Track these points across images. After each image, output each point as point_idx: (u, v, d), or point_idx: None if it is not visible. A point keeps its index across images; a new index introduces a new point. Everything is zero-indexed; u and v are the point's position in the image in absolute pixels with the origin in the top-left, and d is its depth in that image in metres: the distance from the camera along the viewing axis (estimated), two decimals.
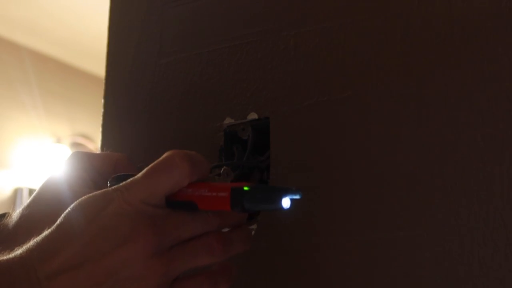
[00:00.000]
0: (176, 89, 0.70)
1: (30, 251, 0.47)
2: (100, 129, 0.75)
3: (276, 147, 0.62)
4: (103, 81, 0.76)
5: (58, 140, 3.58)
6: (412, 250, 0.53)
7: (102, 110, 0.75)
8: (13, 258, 0.46)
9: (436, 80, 0.55)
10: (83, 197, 0.48)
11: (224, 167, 0.57)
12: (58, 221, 0.48)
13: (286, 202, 0.45)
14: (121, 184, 0.47)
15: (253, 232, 0.61)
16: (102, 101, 0.75)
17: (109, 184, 0.50)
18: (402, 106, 0.56)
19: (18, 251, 0.47)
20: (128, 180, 0.47)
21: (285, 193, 0.45)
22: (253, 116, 0.64)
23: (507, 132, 0.51)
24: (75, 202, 0.48)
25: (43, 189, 0.57)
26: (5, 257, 0.46)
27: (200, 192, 0.46)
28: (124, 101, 0.74)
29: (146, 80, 0.72)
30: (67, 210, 0.48)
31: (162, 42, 0.72)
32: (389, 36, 0.58)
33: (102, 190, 0.48)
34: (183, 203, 0.46)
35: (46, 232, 0.47)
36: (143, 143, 0.70)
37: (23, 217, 0.55)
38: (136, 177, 0.47)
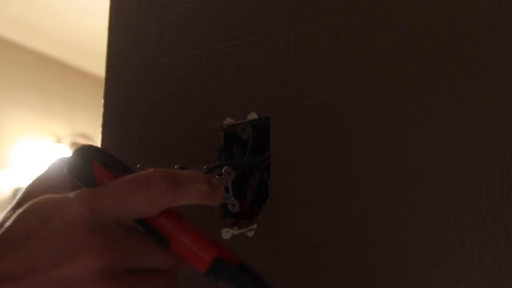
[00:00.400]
0: (176, 89, 0.70)
1: None
2: (100, 129, 0.75)
3: (276, 147, 0.62)
4: (103, 81, 0.76)
5: (58, 140, 3.58)
6: (412, 250, 0.53)
7: (102, 110, 0.75)
8: None
9: (436, 80, 0.55)
10: (40, 198, 0.43)
11: (226, 166, 0.57)
12: (8, 223, 0.43)
13: None
14: (87, 189, 0.42)
15: (253, 232, 0.61)
16: (102, 101, 0.75)
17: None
18: (402, 106, 0.56)
19: None
20: (97, 188, 0.42)
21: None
22: (253, 116, 0.64)
23: (507, 132, 0.51)
24: (31, 201, 0.43)
25: (28, 191, 0.51)
26: None
27: (180, 235, 0.42)
28: (124, 101, 0.74)
29: (146, 80, 0.72)
30: (20, 210, 0.43)
31: (162, 42, 0.72)
32: (389, 36, 0.58)
33: (65, 193, 0.43)
34: (154, 231, 0.42)
35: None
36: (143, 143, 0.70)
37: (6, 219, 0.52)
38: (106, 186, 0.42)
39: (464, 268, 0.51)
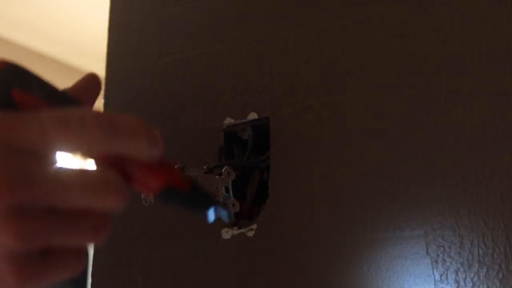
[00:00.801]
0: (176, 89, 0.70)
1: None
2: None
3: (276, 147, 0.62)
4: (103, 81, 0.76)
5: None
6: (412, 250, 0.53)
7: (102, 110, 0.75)
8: None
9: (436, 80, 0.55)
10: None
11: (226, 166, 0.57)
12: None
13: (211, 216, 0.40)
14: (9, 116, 0.35)
15: (253, 232, 0.61)
16: (102, 101, 0.75)
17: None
18: (402, 106, 0.56)
19: None
20: (21, 116, 0.35)
21: (212, 206, 0.40)
22: (253, 116, 0.64)
23: (507, 132, 0.51)
24: None
25: None
26: None
27: (125, 165, 0.37)
28: (124, 101, 0.74)
29: (146, 80, 0.72)
30: None
31: (162, 42, 0.72)
32: (389, 36, 0.58)
33: None
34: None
35: None
36: None
37: None
38: (28, 114, 0.35)
39: (464, 268, 0.51)
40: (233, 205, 0.57)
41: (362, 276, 0.55)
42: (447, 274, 0.51)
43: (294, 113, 0.61)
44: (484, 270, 0.50)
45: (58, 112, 0.35)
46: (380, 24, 0.58)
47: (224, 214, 0.41)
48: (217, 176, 0.56)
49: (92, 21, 3.00)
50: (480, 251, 0.50)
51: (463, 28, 0.54)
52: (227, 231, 0.62)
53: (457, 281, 0.51)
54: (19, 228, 0.33)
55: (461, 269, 0.51)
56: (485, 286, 0.50)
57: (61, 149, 0.34)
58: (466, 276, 0.51)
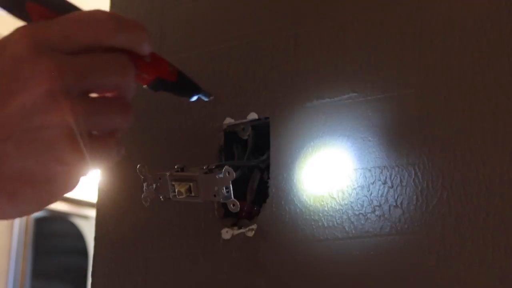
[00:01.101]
0: None
1: None
2: None
3: (276, 147, 0.62)
4: None
5: None
6: (412, 250, 0.53)
7: None
8: None
9: (436, 80, 0.55)
10: None
11: (226, 166, 0.57)
12: None
13: (193, 99, 0.50)
14: (30, 23, 0.41)
15: (253, 232, 0.61)
16: None
17: None
18: (402, 106, 0.56)
19: None
20: (42, 21, 0.41)
21: (197, 93, 0.49)
22: (253, 116, 0.64)
23: (507, 132, 0.51)
24: None
25: None
26: None
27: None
28: None
29: None
30: None
31: (162, 42, 0.72)
32: (389, 36, 0.58)
33: (10, 33, 0.42)
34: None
35: None
36: (143, 143, 0.70)
37: None
38: (51, 19, 0.41)
39: (464, 268, 0.51)
40: (233, 205, 0.57)
41: (362, 276, 0.55)
42: (447, 274, 0.51)
43: (294, 113, 0.61)
44: (484, 270, 0.50)
45: (72, 14, 0.42)
46: (380, 23, 0.58)
47: (204, 95, 0.50)
48: (217, 176, 0.56)
49: None
50: (480, 251, 0.50)
51: (463, 28, 0.54)
52: (227, 231, 0.62)
53: (457, 281, 0.51)
54: (71, 105, 0.40)
55: (461, 269, 0.51)
56: (485, 286, 0.50)
57: (81, 42, 0.41)
58: (466, 276, 0.51)
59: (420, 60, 0.56)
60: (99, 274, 0.69)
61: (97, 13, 0.41)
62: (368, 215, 0.56)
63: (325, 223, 0.57)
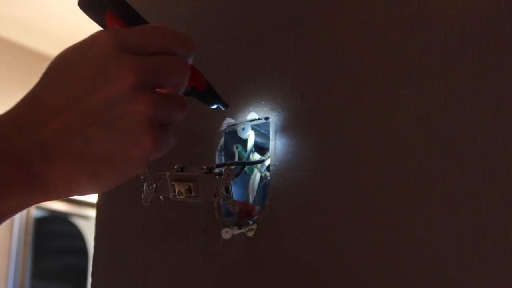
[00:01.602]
0: None
1: (18, 105, 0.48)
2: None
3: (276, 147, 0.62)
4: None
5: None
6: (412, 250, 0.53)
7: None
8: (2, 116, 0.47)
9: (436, 80, 0.55)
10: (67, 48, 0.49)
11: (226, 167, 0.57)
12: (44, 71, 0.49)
13: (213, 107, 0.57)
14: (113, 28, 0.49)
15: (253, 232, 0.61)
16: None
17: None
18: (402, 106, 0.56)
19: (8, 110, 0.48)
20: (122, 29, 0.49)
21: (217, 102, 0.57)
22: (253, 116, 0.64)
23: (507, 132, 0.51)
24: (59, 53, 0.49)
25: None
26: None
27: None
28: None
29: None
30: (52, 60, 0.49)
31: None
32: (389, 36, 0.58)
33: (93, 34, 0.49)
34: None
35: (34, 85, 0.48)
36: None
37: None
38: (130, 29, 0.49)
39: (464, 268, 0.51)
40: (233, 205, 0.57)
41: (362, 276, 0.55)
42: (447, 274, 0.51)
43: (294, 113, 0.61)
44: (484, 270, 0.50)
45: (146, 25, 0.51)
46: (380, 24, 0.58)
47: (222, 105, 0.57)
48: (217, 176, 0.56)
49: (92, 21, 3.00)
50: (480, 251, 0.50)
51: (463, 28, 0.54)
52: (227, 231, 0.62)
53: (457, 281, 0.51)
54: (150, 98, 0.48)
55: (461, 269, 0.51)
56: (485, 286, 0.50)
57: (152, 47, 0.49)
58: (466, 276, 0.51)
59: (420, 60, 0.56)
60: (99, 274, 0.69)
61: (164, 27, 0.50)
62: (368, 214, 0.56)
63: (325, 223, 0.57)
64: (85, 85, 0.47)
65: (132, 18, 0.51)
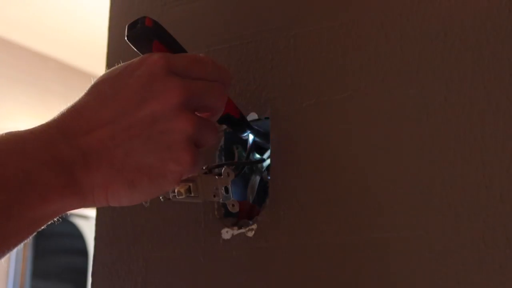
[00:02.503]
0: None
1: (63, 114, 0.50)
2: None
3: (276, 147, 0.62)
4: None
5: None
6: (412, 250, 0.53)
7: None
8: (48, 123, 0.50)
9: (436, 80, 0.55)
10: (116, 66, 0.52)
11: (225, 167, 0.57)
12: (91, 85, 0.52)
13: (245, 136, 0.62)
14: (164, 53, 0.52)
15: (253, 232, 0.61)
16: None
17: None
18: (402, 106, 0.56)
19: (54, 117, 0.50)
20: (172, 54, 0.52)
21: (248, 130, 0.61)
22: (253, 116, 0.64)
23: (507, 132, 0.51)
24: (109, 70, 0.53)
25: None
26: (40, 125, 0.50)
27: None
28: None
29: None
30: (100, 75, 0.52)
31: None
32: (389, 36, 0.58)
33: (143, 55, 0.52)
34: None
35: (78, 98, 0.51)
36: None
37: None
38: (179, 55, 0.53)
39: (464, 268, 0.51)
40: (233, 205, 0.57)
41: (362, 276, 0.55)
42: (447, 274, 0.51)
43: (294, 113, 0.61)
44: (484, 270, 0.50)
45: (192, 54, 0.55)
46: (380, 24, 0.58)
47: (252, 133, 0.61)
48: (216, 177, 0.56)
49: (92, 21, 3.00)
50: (480, 251, 0.50)
51: (463, 28, 0.54)
52: (227, 231, 0.62)
53: (457, 281, 0.51)
54: (192, 117, 0.50)
55: (461, 269, 0.51)
56: (485, 286, 0.50)
57: (196, 73, 0.52)
58: (466, 276, 0.51)
59: (420, 60, 0.56)
60: (99, 274, 0.69)
61: (208, 58, 0.54)
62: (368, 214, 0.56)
63: (325, 223, 0.57)
64: (132, 99, 0.50)
65: (175, 46, 0.54)
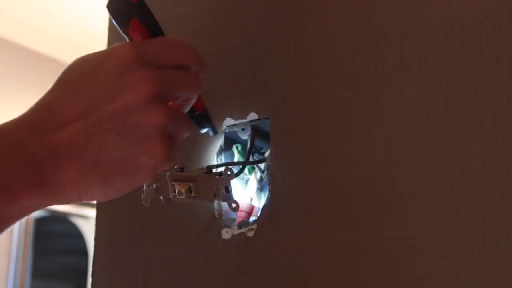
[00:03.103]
0: None
1: (32, 110, 0.49)
2: None
3: (276, 147, 0.62)
4: None
5: None
6: (412, 250, 0.53)
7: None
8: (16, 120, 0.48)
9: (436, 80, 0.55)
10: (85, 55, 0.51)
11: (225, 166, 0.57)
12: (58, 78, 0.50)
13: (202, 131, 0.59)
14: (133, 41, 0.51)
15: (253, 232, 0.61)
16: None
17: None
18: (402, 106, 0.56)
19: (22, 114, 0.49)
20: (141, 41, 0.51)
21: (208, 127, 0.59)
22: (253, 116, 0.64)
23: (507, 132, 0.51)
24: (76, 59, 0.51)
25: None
26: (8, 121, 0.49)
27: None
28: None
29: None
30: (66, 67, 0.50)
31: None
32: (389, 36, 0.58)
33: (113, 46, 0.51)
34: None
35: (47, 92, 0.50)
36: None
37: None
38: (148, 41, 0.51)
39: (464, 268, 0.51)
40: (234, 205, 0.57)
41: (362, 276, 0.55)
42: (447, 274, 0.51)
43: (294, 113, 0.61)
44: (484, 270, 0.50)
45: (164, 38, 0.52)
46: (380, 24, 0.58)
47: (212, 130, 0.59)
48: (217, 176, 0.56)
49: (92, 21, 3.00)
50: (480, 251, 0.50)
51: (463, 28, 0.54)
52: (227, 231, 0.62)
53: (457, 281, 0.51)
54: (165, 109, 0.49)
55: (461, 269, 0.51)
56: (485, 286, 0.50)
57: (168, 61, 0.50)
58: (466, 276, 0.51)
59: (420, 60, 0.56)
60: (99, 274, 0.69)
61: (180, 42, 0.52)
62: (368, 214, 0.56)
63: (325, 223, 0.57)
64: (103, 93, 0.48)
65: (154, 29, 0.52)
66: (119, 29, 0.52)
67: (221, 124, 0.65)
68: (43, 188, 0.48)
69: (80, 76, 0.49)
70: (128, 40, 0.52)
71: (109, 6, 0.51)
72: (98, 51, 0.51)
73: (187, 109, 0.54)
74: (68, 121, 0.48)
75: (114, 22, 0.52)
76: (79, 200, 0.50)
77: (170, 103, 0.52)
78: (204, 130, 0.59)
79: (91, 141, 0.48)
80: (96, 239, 0.71)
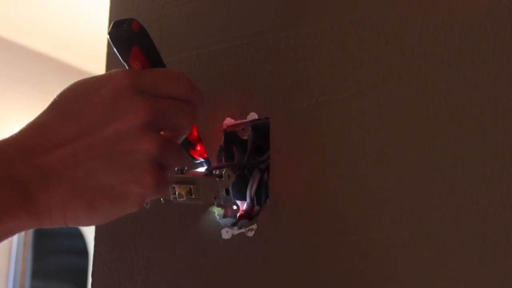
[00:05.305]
0: None
1: (23, 131, 0.48)
2: None
3: (276, 147, 0.62)
4: None
5: None
6: (412, 250, 0.53)
7: None
8: (6, 140, 0.48)
9: (436, 80, 0.55)
10: (82, 79, 0.50)
11: (226, 169, 0.57)
12: (53, 100, 0.50)
13: (198, 160, 0.59)
14: (130, 69, 0.51)
15: (253, 232, 0.61)
16: None
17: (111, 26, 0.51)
18: (402, 106, 0.56)
19: (13, 134, 0.48)
20: (139, 70, 0.51)
21: (203, 157, 0.59)
22: (253, 116, 0.64)
23: (507, 132, 0.51)
24: (73, 83, 0.51)
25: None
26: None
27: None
28: None
29: None
30: (63, 90, 0.50)
31: (162, 42, 0.72)
32: (389, 36, 0.58)
33: (110, 72, 0.50)
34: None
35: (40, 114, 0.49)
36: None
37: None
38: (146, 70, 0.51)
39: (464, 268, 0.51)
40: (234, 206, 0.57)
41: (362, 276, 0.55)
42: (447, 274, 0.51)
43: (294, 113, 0.61)
44: (484, 270, 0.50)
45: (162, 69, 0.52)
46: (380, 24, 0.58)
47: (206, 162, 0.60)
48: (217, 178, 0.56)
49: (92, 20, 3.00)
50: (480, 251, 0.50)
51: (463, 28, 0.54)
52: (227, 231, 0.62)
53: (457, 281, 0.51)
54: (156, 138, 0.48)
55: (461, 269, 0.51)
56: (485, 286, 0.50)
57: (164, 91, 0.50)
58: (466, 276, 0.51)
59: (420, 60, 0.56)
60: (99, 274, 0.69)
61: (179, 74, 0.52)
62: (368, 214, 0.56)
63: (325, 223, 0.57)
64: (96, 118, 0.48)
65: (154, 58, 0.52)
66: (119, 56, 0.52)
67: (221, 124, 0.65)
68: (29, 210, 0.47)
69: (75, 100, 0.49)
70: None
71: (111, 34, 0.51)
72: (95, 75, 0.51)
73: (180, 139, 0.54)
74: (59, 144, 0.47)
75: (114, 50, 0.52)
76: (64, 224, 0.49)
77: (163, 133, 0.51)
78: (198, 161, 0.59)
79: (79, 165, 0.47)
80: (96, 239, 0.71)
